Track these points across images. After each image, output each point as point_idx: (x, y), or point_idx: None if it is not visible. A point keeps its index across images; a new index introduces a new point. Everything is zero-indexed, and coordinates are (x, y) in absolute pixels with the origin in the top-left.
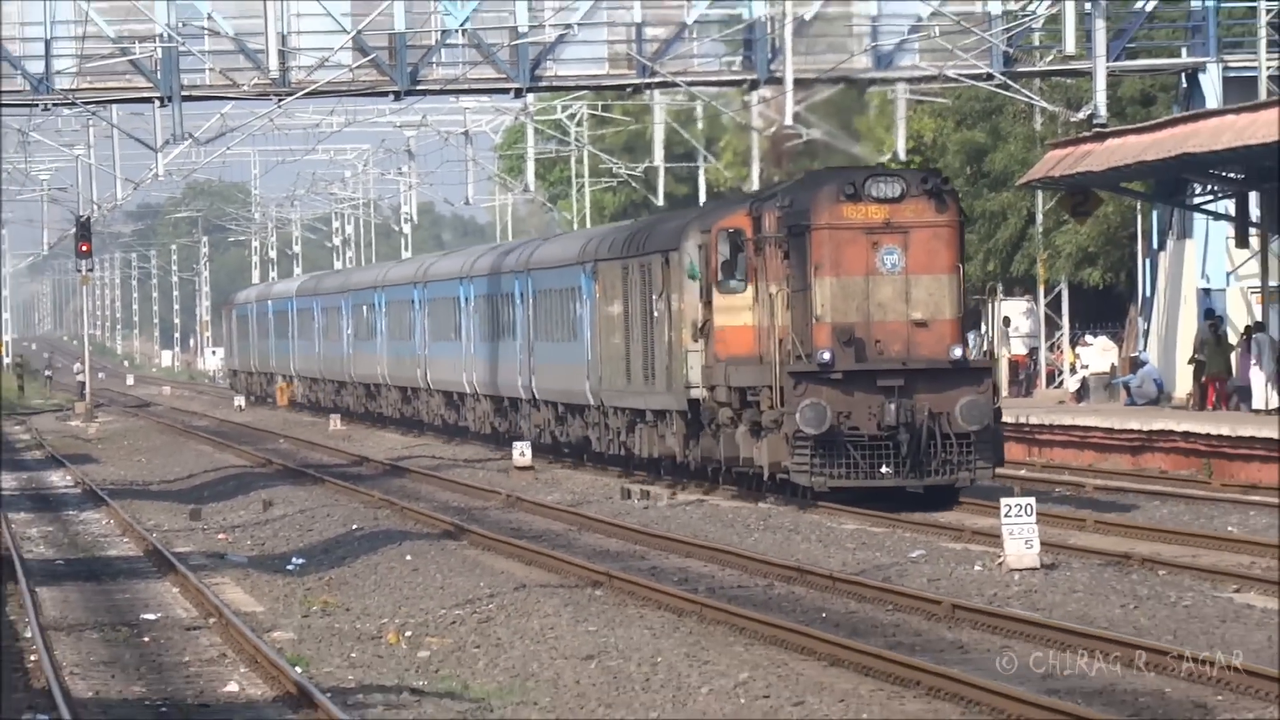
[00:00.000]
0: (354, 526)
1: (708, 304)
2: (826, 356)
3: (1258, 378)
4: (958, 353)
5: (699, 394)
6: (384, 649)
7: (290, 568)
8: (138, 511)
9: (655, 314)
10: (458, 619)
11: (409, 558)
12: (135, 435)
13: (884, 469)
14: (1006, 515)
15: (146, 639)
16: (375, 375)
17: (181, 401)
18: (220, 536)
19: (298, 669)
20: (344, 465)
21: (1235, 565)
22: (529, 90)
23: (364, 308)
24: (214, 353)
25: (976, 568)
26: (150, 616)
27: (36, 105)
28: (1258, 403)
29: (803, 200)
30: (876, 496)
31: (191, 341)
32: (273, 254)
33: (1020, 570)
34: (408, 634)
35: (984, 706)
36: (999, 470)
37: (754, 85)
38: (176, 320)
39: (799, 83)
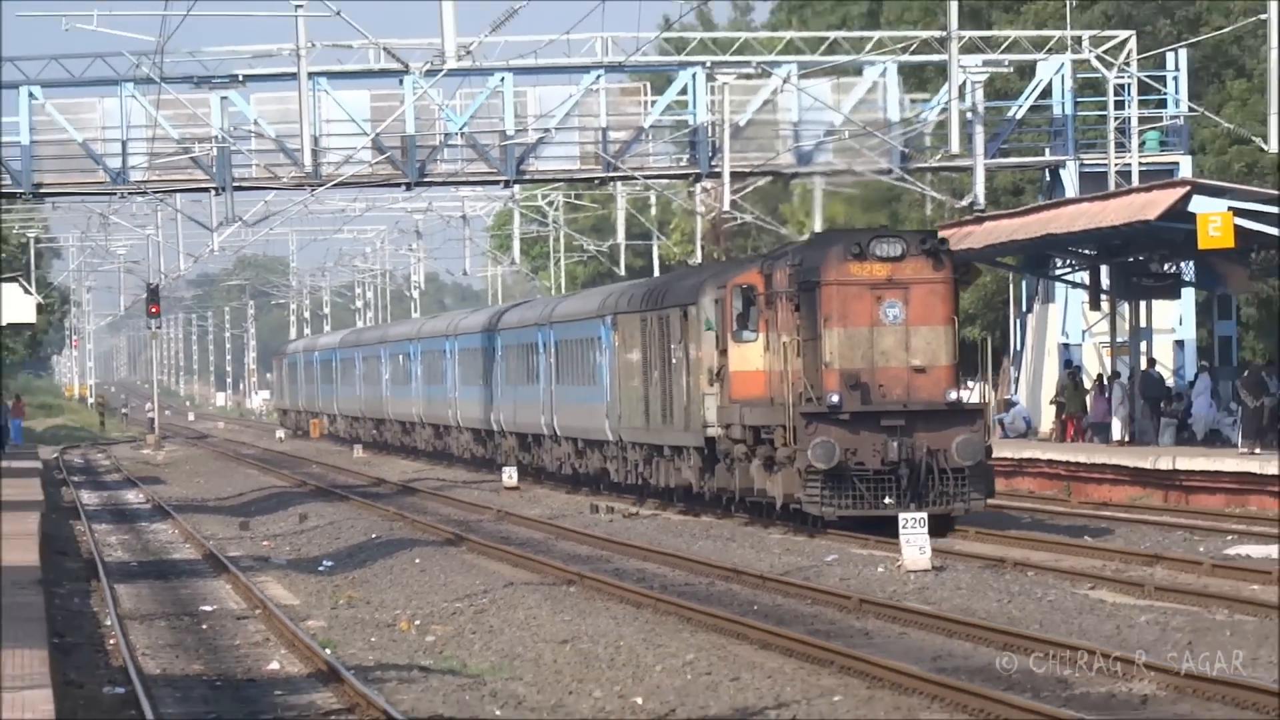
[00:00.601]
0: (373, 535)
1: (723, 352)
2: (835, 399)
3: (1117, 417)
4: (953, 395)
5: (715, 432)
6: (398, 635)
7: (321, 569)
8: (197, 523)
9: (674, 361)
10: (458, 610)
11: (418, 561)
12: (195, 461)
13: (887, 500)
14: (904, 527)
15: (204, 626)
16: (410, 415)
17: (233, 434)
18: (264, 543)
19: (328, 650)
20: (365, 486)
21: (1090, 568)
22: (515, 181)
23: (400, 357)
24: (258, 394)
25: (880, 569)
26: (207, 608)
27: (115, 194)
28: (1116, 436)
29: (814, 258)
30: (880, 524)
31: (241, 385)
32: (307, 315)
33: (915, 571)
34: (417, 622)
35: (885, 681)
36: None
37: (698, 178)
38: (228, 368)
39: (735, 176)
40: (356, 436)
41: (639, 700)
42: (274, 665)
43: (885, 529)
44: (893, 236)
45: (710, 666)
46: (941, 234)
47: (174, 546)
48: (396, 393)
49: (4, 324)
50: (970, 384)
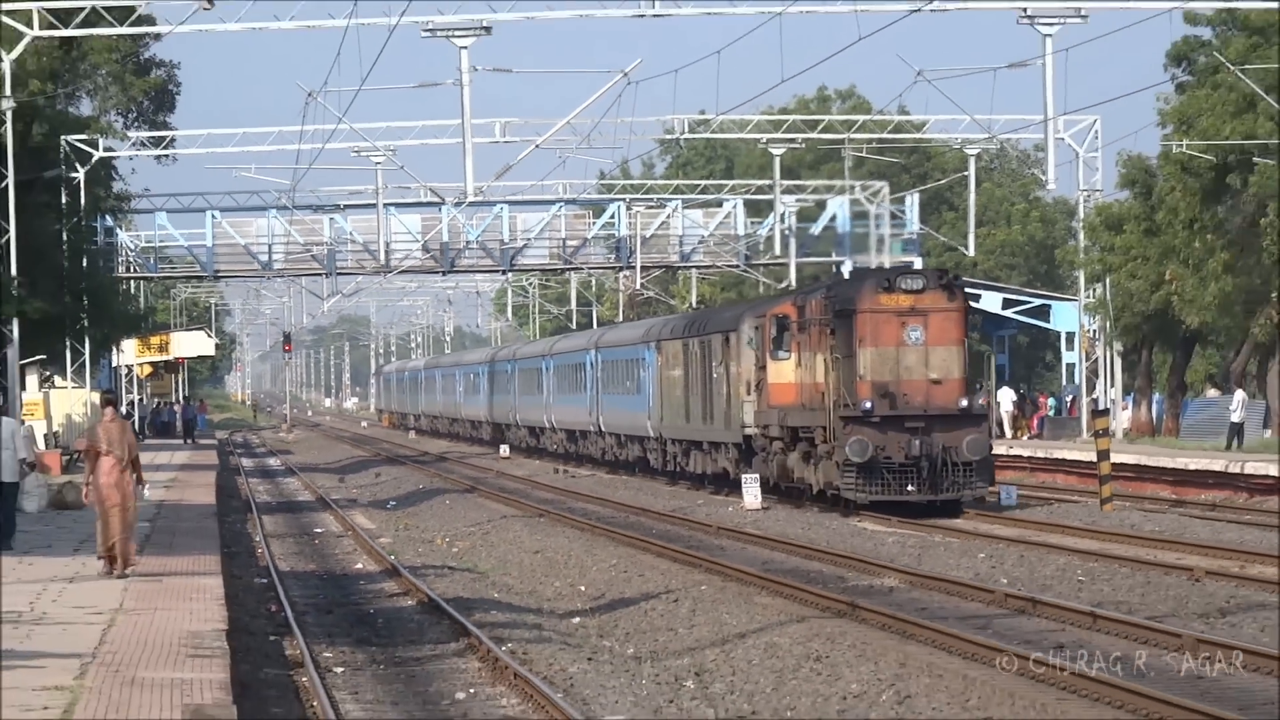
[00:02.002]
0: (420, 486)
1: (762, 368)
2: (868, 405)
3: None
4: (964, 403)
5: (751, 431)
6: (435, 548)
7: (389, 506)
8: (312, 478)
9: (715, 376)
10: (472, 532)
11: (447, 502)
12: (311, 440)
13: (909, 487)
14: (744, 483)
15: (316, 541)
16: (479, 415)
17: (335, 424)
18: (354, 490)
19: (392, 556)
20: (415, 456)
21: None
22: (509, 270)
23: (472, 375)
24: (350, 399)
25: (729, 509)
26: (319, 530)
27: (264, 276)
28: None
29: (849, 291)
30: (904, 507)
31: (339, 394)
32: (381, 351)
33: (751, 510)
34: (447, 540)
35: (733, 577)
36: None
37: (620, 269)
38: (333, 383)
39: (643, 268)
40: (436, 431)
41: (582, 588)
42: (359, 565)
43: (906, 511)
44: (915, 273)
45: (626, 568)
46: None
47: (298, 492)
48: (468, 400)
49: (195, 355)
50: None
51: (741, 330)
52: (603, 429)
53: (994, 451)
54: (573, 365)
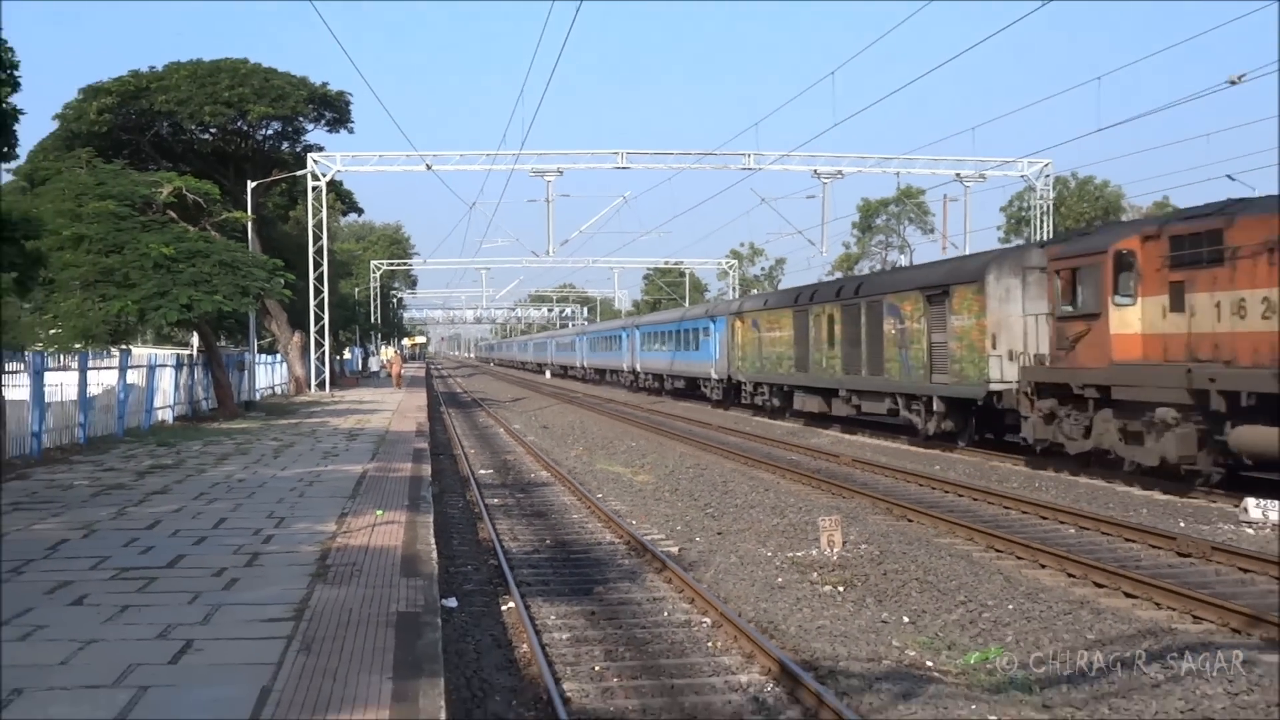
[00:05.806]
0: (475, 372)
1: (1063, 319)
2: None
3: None
4: None
5: (999, 387)
6: (478, 388)
7: (465, 375)
8: (447, 370)
9: (891, 333)
10: (487, 384)
11: (479, 376)
12: (448, 365)
13: None
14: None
15: (449, 385)
16: (545, 360)
17: (465, 364)
18: (457, 374)
19: (467, 391)
20: (485, 369)
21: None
22: (480, 321)
23: (543, 344)
24: (468, 353)
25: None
26: (452, 383)
27: (428, 325)
28: None
29: None
30: None
31: (463, 351)
32: (470, 344)
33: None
34: (479, 387)
35: (544, 393)
36: None
37: (501, 324)
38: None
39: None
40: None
41: (509, 396)
42: (460, 392)
43: None
44: None
45: (523, 394)
46: None
47: (443, 373)
48: (536, 354)
49: (421, 342)
50: None
51: (986, 281)
52: (638, 370)
53: None
54: (611, 338)
